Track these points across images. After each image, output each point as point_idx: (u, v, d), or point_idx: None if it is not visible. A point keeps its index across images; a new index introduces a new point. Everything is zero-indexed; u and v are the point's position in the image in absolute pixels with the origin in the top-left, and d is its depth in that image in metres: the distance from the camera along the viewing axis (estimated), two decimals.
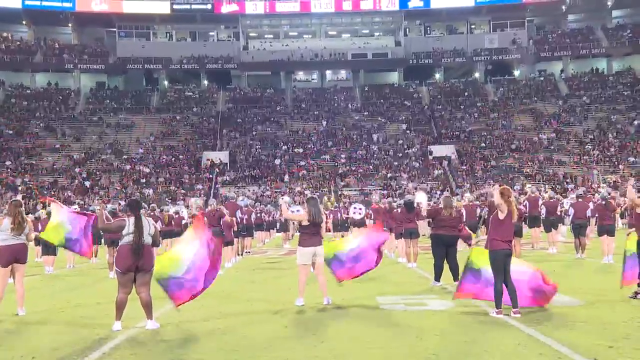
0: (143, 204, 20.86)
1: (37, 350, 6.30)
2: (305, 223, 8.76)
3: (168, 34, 61.74)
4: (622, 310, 7.70)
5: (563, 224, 20.93)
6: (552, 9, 60.50)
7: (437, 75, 61.35)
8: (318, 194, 33.83)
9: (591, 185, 38.16)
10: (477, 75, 60.51)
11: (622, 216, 22.43)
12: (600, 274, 11.71)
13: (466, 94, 57.30)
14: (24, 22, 60.12)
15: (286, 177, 45.31)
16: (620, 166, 43.79)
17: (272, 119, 54.63)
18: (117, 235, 7.93)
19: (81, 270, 15.54)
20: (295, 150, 49.72)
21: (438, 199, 11.91)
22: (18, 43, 59.20)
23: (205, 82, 60.91)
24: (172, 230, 18.25)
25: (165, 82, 60.66)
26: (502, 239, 7.57)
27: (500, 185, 8.15)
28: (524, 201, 17.42)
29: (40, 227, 16.03)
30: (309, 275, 8.86)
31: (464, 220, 15.99)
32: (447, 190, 36.86)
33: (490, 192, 8.04)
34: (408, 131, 52.14)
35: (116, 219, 7.29)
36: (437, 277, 10.54)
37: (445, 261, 10.60)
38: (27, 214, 17.69)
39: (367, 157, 48.41)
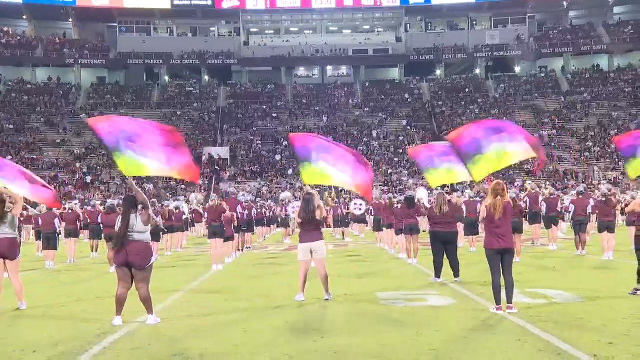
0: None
1: (37, 344, 6.31)
2: (298, 220, 8.85)
3: (169, 29, 61.67)
4: (622, 307, 7.70)
5: (563, 220, 20.96)
6: (553, 5, 60.43)
7: (438, 72, 61.29)
8: (318, 189, 33.77)
9: (592, 182, 38.17)
10: (478, 71, 60.46)
11: (622, 213, 22.42)
12: (601, 270, 11.69)
13: (467, 90, 57.23)
14: (24, 17, 60.07)
15: (290, 171, 45.26)
16: (621, 163, 43.75)
17: (273, 114, 54.61)
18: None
19: (81, 265, 15.56)
20: None
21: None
22: (19, 38, 59.14)
23: (206, 77, 60.89)
24: (173, 225, 18.28)
25: (166, 78, 60.61)
26: (495, 237, 7.55)
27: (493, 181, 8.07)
28: (524, 197, 17.44)
29: (40, 222, 16.11)
30: (309, 270, 8.87)
31: (464, 216, 16.09)
32: (448, 187, 36.81)
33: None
34: (409, 127, 52.09)
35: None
36: (437, 274, 10.59)
37: (445, 257, 10.66)
38: (26, 208, 17.80)
39: (368, 153, 48.30)
